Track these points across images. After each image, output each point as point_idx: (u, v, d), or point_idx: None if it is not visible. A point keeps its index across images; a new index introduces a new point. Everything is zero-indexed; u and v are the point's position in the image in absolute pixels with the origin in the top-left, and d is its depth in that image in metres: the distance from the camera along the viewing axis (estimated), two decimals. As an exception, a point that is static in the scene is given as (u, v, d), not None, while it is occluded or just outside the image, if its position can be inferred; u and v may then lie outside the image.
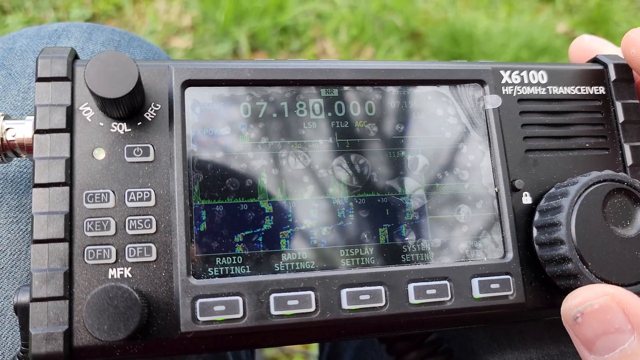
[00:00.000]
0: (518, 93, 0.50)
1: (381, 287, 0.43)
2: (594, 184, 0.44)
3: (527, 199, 0.48)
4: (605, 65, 0.52)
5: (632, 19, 2.33)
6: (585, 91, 0.51)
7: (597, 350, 0.38)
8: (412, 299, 0.43)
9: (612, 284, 0.42)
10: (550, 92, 0.50)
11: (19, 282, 0.51)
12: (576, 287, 0.43)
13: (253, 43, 1.89)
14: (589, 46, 0.55)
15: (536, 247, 0.46)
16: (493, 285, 0.44)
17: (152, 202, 0.42)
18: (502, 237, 0.46)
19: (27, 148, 0.45)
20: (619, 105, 0.50)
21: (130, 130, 0.43)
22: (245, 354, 0.76)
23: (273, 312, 0.41)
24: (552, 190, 0.46)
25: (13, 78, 0.57)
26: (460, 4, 2.26)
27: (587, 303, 0.38)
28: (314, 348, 1.44)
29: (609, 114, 0.51)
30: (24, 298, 0.40)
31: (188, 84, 0.44)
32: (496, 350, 0.58)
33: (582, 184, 0.44)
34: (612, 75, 0.51)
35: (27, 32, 0.63)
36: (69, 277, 0.40)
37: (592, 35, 0.58)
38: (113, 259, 0.41)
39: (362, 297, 0.43)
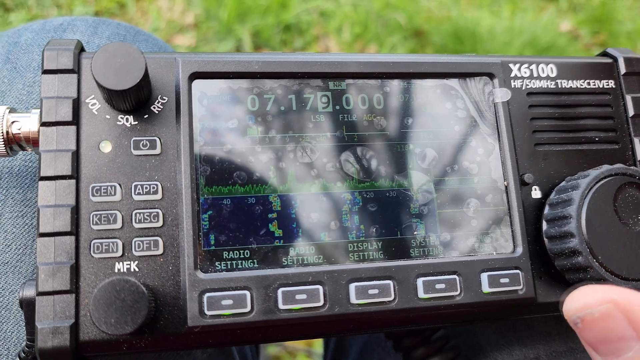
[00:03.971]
0: (527, 86, 0.49)
1: (390, 282, 0.43)
2: (605, 178, 0.43)
3: (536, 193, 0.47)
4: (615, 59, 0.51)
5: (636, 18, 2.32)
6: (594, 85, 0.51)
7: (602, 353, 0.36)
8: (421, 294, 0.43)
9: (621, 278, 0.41)
10: (559, 86, 0.50)
11: (25, 276, 0.50)
12: (586, 281, 0.43)
13: (256, 41, 1.89)
14: None
15: (546, 240, 0.45)
16: (502, 280, 0.44)
17: (159, 196, 0.42)
18: (512, 231, 0.46)
19: (33, 141, 0.44)
20: (629, 99, 0.50)
21: (136, 123, 0.43)
22: (250, 351, 0.76)
23: (281, 306, 0.41)
24: (563, 183, 0.46)
25: (18, 72, 0.57)
26: (464, 2, 2.26)
27: (587, 311, 0.36)
28: (317, 346, 1.43)
29: (618, 107, 0.50)
30: (29, 292, 0.40)
31: (195, 76, 0.44)
32: (504, 346, 0.58)
33: (593, 177, 0.43)
34: (622, 69, 0.51)
35: (32, 25, 0.62)
36: (75, 270, 0.40)
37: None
38: (120, 253, 0.41)
39: (370, 292, 0.42)
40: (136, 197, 0.42)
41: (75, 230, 0.40)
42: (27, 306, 0.40)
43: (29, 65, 0.57)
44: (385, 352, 0.67)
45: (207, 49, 1.83)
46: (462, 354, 0.56)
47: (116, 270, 0.40)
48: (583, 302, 0.36)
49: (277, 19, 1.92)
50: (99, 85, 0.40)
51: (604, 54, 0.53)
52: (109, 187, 0.41)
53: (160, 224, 0.41)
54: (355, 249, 0.44)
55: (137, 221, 0.41)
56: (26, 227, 0.52)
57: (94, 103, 0.43)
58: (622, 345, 0.35)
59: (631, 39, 2.26)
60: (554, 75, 0.50)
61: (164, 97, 0.43)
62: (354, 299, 0.42)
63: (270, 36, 1.90)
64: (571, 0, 2.40)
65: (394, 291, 0.43)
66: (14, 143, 0.45)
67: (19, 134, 0.44)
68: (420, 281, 0.43)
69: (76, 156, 0.41)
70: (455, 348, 0.56)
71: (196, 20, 1.88)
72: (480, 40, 2.08)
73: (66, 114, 0.42)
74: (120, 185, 0.42)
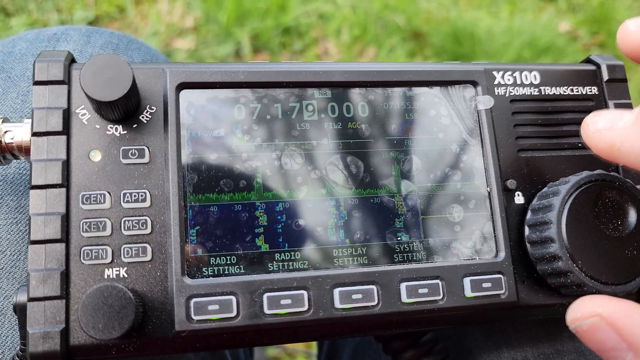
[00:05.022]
0: (511, 93, 0.50)
1: (373, 287, 0.43)
2: (585, 184, 0.44)
3: (519, 199, 0.48)
4: (598, 66, 0.52)
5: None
6: (578, 91, 0.51)
7: (605, 359, 0.37)
8: (404, 298, 0.44)
9: (601, 282, 0.42)
10: (542, 93, 0.51)
11: (19, 282, 0.52)
12: (567, 285, 0.44)
13: (255, 44, 1.90)
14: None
15: (528, 245, 0.46)
16: (485, 285, 0.45)
17: (147, 203, 0.43)
18: (495, 236, 0.47)
19: (26, 150, 0.45)
20: (611, 105, 0.51)
21: (125, 132, 0.44)
22: (243, 353, 0.77)
23: (266, 311, 0.42)
24: (545, 189, 0.47)
25: (12, 81, 0.58)
26: (463, 3, 2.26)
27: (577, 323, 0.37)
28: (315, 347, 1.44)
29: None
30: (22, 298, 0.41)
31: (183, 86, 0.45)
32: (492, 348, 0.58)
33: (574, 183, 0.44)
34: (605, 76, 0.52)
35: (26, 35, 0.63)
36: (65, 277, 0.41)
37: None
38: (109, 259, 0.42)
39: (354, 297, 0.43)
40: (125, 205, 0.43)
41: (65, 237, 0.41)
42: (20, 311, 0.41)
43: (23, 74, 0.58)
44: (377, 354, 0.67)
45: (207, 52, 1.84)
46: (450, 357, 0.57)
47: (105, 277, 0.41)
48: (573, 316, 0.38)
49: (276, 21, 1.93)
50: (88, 97, 0.41)
51: (588, 60, 0.54)
52: (99, 195, 0.42)
53: (148, 231, 0.42)
54: (340, 254, 0.45)
55: (126, 228, 0.42)
56: (20, 233, 0.53)
57: (84, 113, 0.44)
58: (616, 355, 0.35)
59: (631, 39, 2.25)
60: (537, 82, 0.51)
61: (152, 107, 0.44)
62: (338, 304, 0.43)
63: (270, 39, 1.91)
64: (570, 0, 2.40)
65: (378, 296, 0.43)
66: (7, 152, 0.46)
67: (12, 143, 0.45)
68: (403, 286, 0.44)
69: (66, 165, 0.42)
70: (444, 350, 0.56)
71: (196, 24, 1.90)
72: (479, 42, 2.09)
73: (57, 124, 0.43)
74: (109, 193, 0.43)
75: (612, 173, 0.45)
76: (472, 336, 0.60)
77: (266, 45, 1.91)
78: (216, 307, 0.41)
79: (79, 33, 0.63)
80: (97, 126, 0.43)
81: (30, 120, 0.44)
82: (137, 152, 0.43)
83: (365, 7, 2.08)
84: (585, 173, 0.45)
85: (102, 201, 0.42)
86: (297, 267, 0.44)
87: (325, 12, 2.04)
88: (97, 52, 0.62)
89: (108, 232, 0.42)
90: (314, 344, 1.33)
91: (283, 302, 0.42)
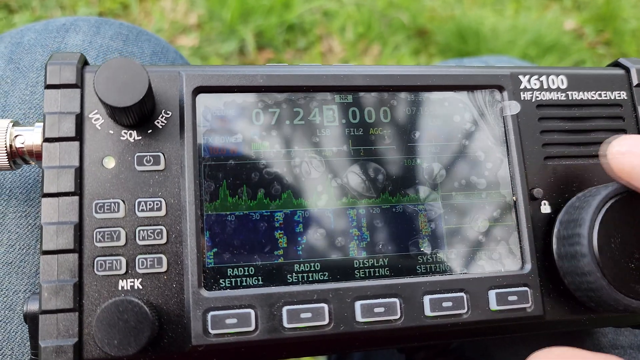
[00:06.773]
0: (537, 98, 0.48)
1: (396, 300, 0.42)
2: (616, 195, 0.42)
3: (546, 208, 0.46)
4: (628, 70, 0.50)
5: (641, 16, 2.30)
6: (606, 96, 0.50)
7: None
8: (428, 312, 0.42)
9: (634, 298, 0.41)
10: (570, 98, 0.49)
11: (28, 276, 0.50)
12: (596, 300, 0.42)
13: (259, 41, 1.88)
14: None
15: (556, 257, 0.44)
16: (511, 298, 0.43)
17: (162, 212, 0.41)
18: (520, 247, 0.45)
19: (37, 155, 0.44)
20: None
21: (140, 138, 0.42)
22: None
23: (286, 325, 0.40)
24: (574, 200, 0.45)
25: (21, 72, 0.57)
26: (467, 1, 2.25)
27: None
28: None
29: (630, 119, 0.49)
30: (33, 307, 0.40)
31: (199, 90, 0.43)
32: (509, 345, 0.57)
33: (604, 195, 0.42)
34: (635, 80, 0.50)
35: (35, 26, 0.62)
36: (78, 288, 0.39)
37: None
38: (123, 270, 0.40)
39: (376, 310, 0.42)
40: (140, 214, 0.41)
41: (78, 247, 0.40)
42: (32, 321, 0.40)
43: (32, 65, 0.57)
44: (390, 352, 0.66)
45: (210, 50, 1.82)
46: (465, 355, 0.56)
47: (120, 288, 0.40)
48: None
49: (280, 19, 1.91)
50: (102, 102, 0.39)
51: (616, 64, 0.52)
52: (113, 204, 0.41)
53: (164, 240, 0.41)
54: (361, 265, 0.43)
55: (141, 238, 0.41)
56: (29, 227, 0.51)
57: (97, 118, 0.42)
58: None
59: (636, 37, 2.24)
60: (564, 86, 0.49)
61: (168, 112, 0.43)
62: (359, 317, 0.41)
63: (274, 36, 1.89)
64: (575, -2, 2.38)
65: (400, 309, 0.42)
66: (17, 157, 0.44)
67: (22, 147, 0.44)
68: (427, 299, 0.42)
69: (79, 172, 0.41)
70: (458, 349, 0.55)
71: (199, 21, 1.88)
72: (483, 40, 2.07)
73: (69, 129, 0.41)
74: (123, 201, 0.41)
75: None
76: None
77: (270, 42, 1.89)
78: (234, 320, 0.40)
79: (88, 24, 0.61)
80: (111, 131, 0.42)
81: (41, 124, 0.43)
82: (152, 159, 0.42)
83: (369, 5, 2.07)
84: (615, 183, 0.43)
85: (116, 210, 0.41)
86: (317, 278, 0.43)
87: (330, 9, 2.02)
88: (106, 43, 0.60)
89: (122, 242, 0.40)
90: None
91: (303, 315, 0.41)
